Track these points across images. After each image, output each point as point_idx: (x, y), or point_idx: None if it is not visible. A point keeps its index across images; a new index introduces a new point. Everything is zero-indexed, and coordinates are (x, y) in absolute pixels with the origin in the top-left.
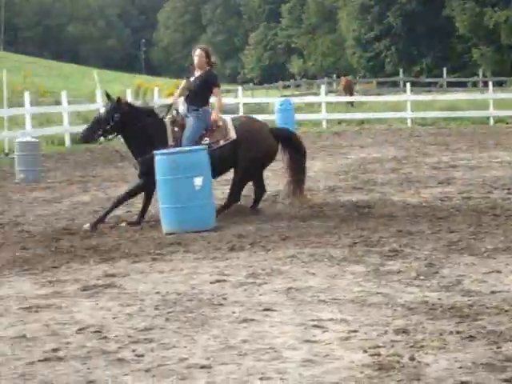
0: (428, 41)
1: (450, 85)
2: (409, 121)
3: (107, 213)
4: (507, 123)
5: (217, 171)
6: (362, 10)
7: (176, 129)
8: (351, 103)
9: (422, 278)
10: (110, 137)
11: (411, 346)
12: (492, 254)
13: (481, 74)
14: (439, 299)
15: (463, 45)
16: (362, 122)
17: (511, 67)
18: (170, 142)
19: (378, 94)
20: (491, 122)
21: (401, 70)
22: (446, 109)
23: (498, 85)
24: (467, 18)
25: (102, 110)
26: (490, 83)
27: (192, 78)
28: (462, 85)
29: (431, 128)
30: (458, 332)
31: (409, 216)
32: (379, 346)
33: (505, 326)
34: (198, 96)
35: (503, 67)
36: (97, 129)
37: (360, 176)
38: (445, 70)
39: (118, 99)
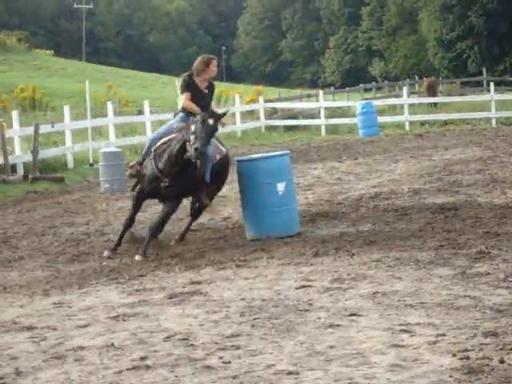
0: (511, 39)
1: None
2: (494, 120)
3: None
4: None
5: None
6: (443, 10)
7: None
8: (435, 104)
9: (510, 279)
10: None
11: (501, 349)
12: None
13: None
14: None
15: None
16: (445, 123)
17: None
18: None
19: (462, 95)
20: None
21: (484, 70)
22: None
23: None
24: None
25: (211, 121)
26: None
27: (205, 90)
28: None
29: None
30: None
31: (496, 217)
32: (468, 350)
33: None
34: (209, 107)
35: None
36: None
37: (445, 178)
38: None
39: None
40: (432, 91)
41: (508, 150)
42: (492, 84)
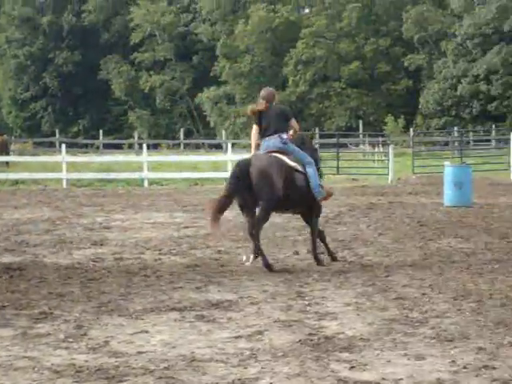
0: (85, 102)
1: (107, 146)
2: (64, 181)
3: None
4: (162, 185)
5: None
6: (18, 70)
7: None
8: (6, 163)
9: (70, 340)
10: None
11: None
12: (141, 314)
13: (136, 136)
14: (86, 361)
15: (120, 107)
16: (16, 182)
17: (166, 130)
18: None
19: (34, 155)
20: (146, 183)
21: (57, 131)
22: (102, 170)
23: (154, 147)
24: (123, 81)
25: None
26: (145, 145)
27: None
28: (119, 147)
29: (87, 189)
30: None
31: (60, 278)
32: None
33: None
34: None
35: (158, 130)
36: None
37: (12, 237)
38: (101, 131)
39: None
40: (4, 149)
41: (77, 210)
42: (64, 145)
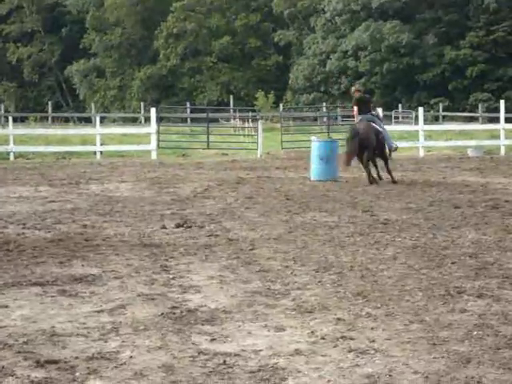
0: None
1: None
2: None
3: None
4: (28, 159)
5: None
6: None
7: None
8: None
9: None
10: None
11: None
12: (1, 289)
13: (3, 109)
14: None
15: None
16: None
17: (34, 103)
18: None
19: None
20: (11, 157)
21: None
22: None
23: (21, 120)
24: None
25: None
26: (10, 118)
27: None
28: None
29: None
30: None
31: None
32: None
33: (7, 360)
34: None
35: (26, 103)
36: None
37: None
38: None
39: None
40: None
41: None
42: None
